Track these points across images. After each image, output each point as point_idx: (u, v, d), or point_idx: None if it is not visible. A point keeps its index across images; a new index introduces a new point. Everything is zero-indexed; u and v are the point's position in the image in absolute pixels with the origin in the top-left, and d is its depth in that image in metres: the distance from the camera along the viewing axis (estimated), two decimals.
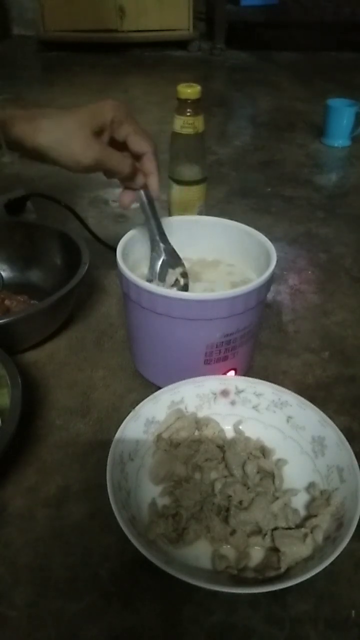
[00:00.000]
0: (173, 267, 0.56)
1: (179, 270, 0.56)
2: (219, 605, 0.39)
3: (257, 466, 0.46)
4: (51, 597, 0.40)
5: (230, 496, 0.44)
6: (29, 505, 0.46)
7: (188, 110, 0.63)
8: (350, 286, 0.76)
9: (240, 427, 0.50)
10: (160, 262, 0.55)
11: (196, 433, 0.50)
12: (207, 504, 0.43)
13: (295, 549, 0.40)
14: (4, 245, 0.71)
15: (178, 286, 0.56)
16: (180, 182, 0.68)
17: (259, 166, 1.15)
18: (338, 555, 0.36)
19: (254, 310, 0.50)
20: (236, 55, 2.07)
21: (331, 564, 0.36)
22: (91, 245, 0.68)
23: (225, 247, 0.59)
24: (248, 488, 0.45)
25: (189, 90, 0.62)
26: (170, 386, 0.50)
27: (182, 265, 0.56)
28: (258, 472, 0.46)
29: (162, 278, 0.55)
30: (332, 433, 0.45)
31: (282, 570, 0.39)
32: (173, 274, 0.55)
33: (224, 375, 0.53)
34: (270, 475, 0.46)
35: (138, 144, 0.52)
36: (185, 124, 0.63)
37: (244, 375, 0.55)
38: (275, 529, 0.42)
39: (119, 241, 0.54)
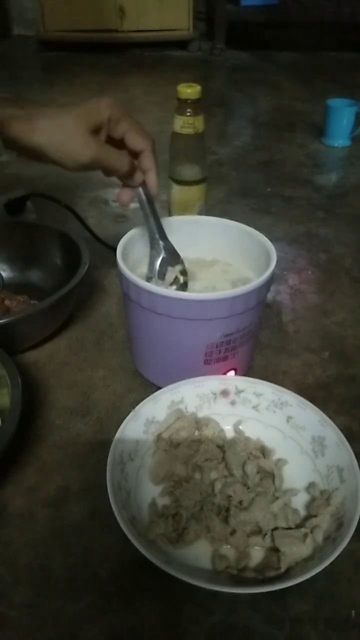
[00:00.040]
0: (172, 265, 0.56)
1: (178, 268, 0.56)
2: (219, 605, 0.39)
3: (257, 466, 0.46)
4: (51, 597, 0.40)
5: (230, 496, 0.44)
6: (29, 505, 0.46)
7: (188, 110, 0.63)
8: (350, 286, 0.76)
9: (240, 427, 0.50)
10: (159, 260, 0.55)
11: (196, 433, 0.50)
12: (207, 504, 0.43)
13: (295, 549, 0.40)
14: (4, 245, 0.71)
15: (178, 284, 0.55)
16: (180, 182, 0.68)
17: (259, 166, 1.15)
18: (338, 555, 0.36)
19: (254, 310, 0.50)
20: (236, 55, 2.06)
21: (331, 564, 0.36)
22: (91, 245, 0.68)
23: (225, 247, 0.59)
24: (248, 488, 0.45)
25: (189, 90, 0.62)
26: (170, 386, 0.50)
27: (182, 263, 0.56)
28: (258, 472, 0.46)
29: (161, 276, 0.55)
30: (332, 433, 0.46)
31: (282, 570, 0.39)
32: (173, 272, 0.55)
33: (224, 375, 0.53)
34: (270, 475, 0.46)
35: (135, 141, 0.52)
36: (185, 124, 0.63)
37: (244, 375, 0.55)
38: (275, 529, 0.42)
39: (119, 241, 0.54)
